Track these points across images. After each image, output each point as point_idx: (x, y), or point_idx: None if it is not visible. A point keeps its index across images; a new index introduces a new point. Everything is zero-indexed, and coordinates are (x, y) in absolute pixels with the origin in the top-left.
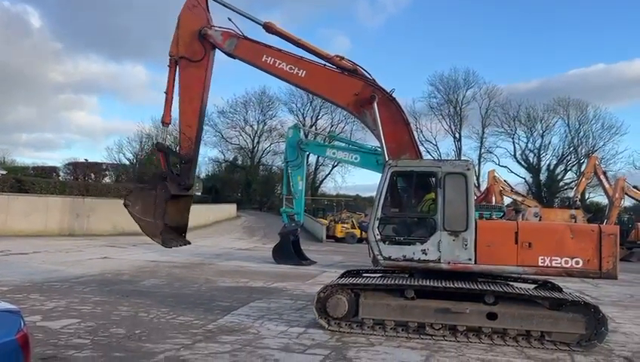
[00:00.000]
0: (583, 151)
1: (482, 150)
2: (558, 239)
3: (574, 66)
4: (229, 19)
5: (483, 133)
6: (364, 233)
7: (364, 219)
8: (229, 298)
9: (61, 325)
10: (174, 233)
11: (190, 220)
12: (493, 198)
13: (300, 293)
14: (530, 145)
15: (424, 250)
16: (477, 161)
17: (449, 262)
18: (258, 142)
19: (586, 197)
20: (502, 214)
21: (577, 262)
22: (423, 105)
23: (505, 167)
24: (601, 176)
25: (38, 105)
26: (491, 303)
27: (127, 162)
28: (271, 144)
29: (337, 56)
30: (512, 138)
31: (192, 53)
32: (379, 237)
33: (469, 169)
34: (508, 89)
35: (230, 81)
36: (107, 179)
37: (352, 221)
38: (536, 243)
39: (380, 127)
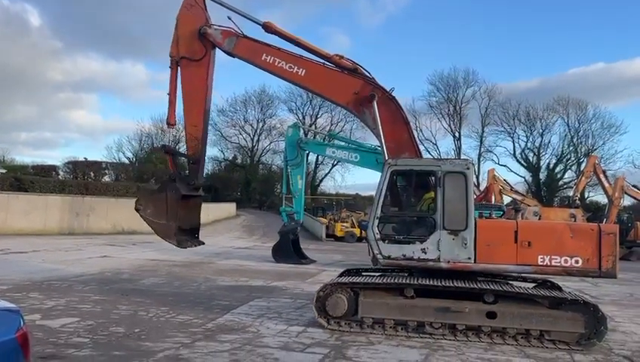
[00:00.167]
0: (583, 150)
1: (482, 149)
2: (557, 238)
3: (574, 65)
4: (229, 18)
5: (483, 132)
6: (363, 232)
7: (363, 218)
8: (228, 297)
9: (61, 324)
10: (188, 234)
11: None
12: (493, 197)
13: (300, 292)
14: (529, 144)
15: (424, 248)
16: (476, 160)
17: (448, 261)
18: (258, 141)
19: (586, 196)
20: (501, 213)
21: (577, 261)
22: (422, 104)
23: (504, 166)
24: (601, 175)
25: (37, 103)
26: (491, 302)
27: (127, 161)
28: (270, 143)
29: (337, 55)
30: (512, 137)
31: (193, 52)
32: (378, 236)
33: (468, 168)
34: (508, 88)
35: (230, 80)
36: (107, 178)
37: (352, 220)
38: (536, 243)
39: (380, 126)
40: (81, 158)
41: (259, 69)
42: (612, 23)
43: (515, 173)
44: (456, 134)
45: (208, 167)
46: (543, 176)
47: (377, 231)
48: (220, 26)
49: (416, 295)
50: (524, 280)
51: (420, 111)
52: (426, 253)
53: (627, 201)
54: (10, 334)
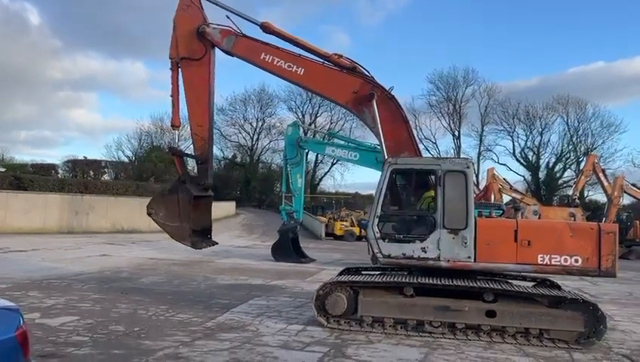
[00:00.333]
0: (582, 149)
1: (481, 148)
2: (557, 237)
3: (574, 64)
4: (228, 17)
5: (482, 131)
6: (363, 231)
7: (363, 216)
8: (228, 295)
9: (60, 322)
10: (200, 235)
11: None
12: (492, 196)
13: (299, 291)
14: (529, 143)
15: (424, 247)
16: (476, 159)
17: (448, 260)
18: (257, 140)
19: (585, 195)
20: (501, 212)
21: (576, 260)
22: (422, 102)
23: (504, 165)
24: (600, 174)
25: (37, 102)
26: (490, 301)
27: (126, 160)
28: (270, 142)
29: (335, 54)
30: (512, 136)
31: (193, 52)
32: (378, 234)
33: (468, 167)
34: (507, 87)
35: (229, 79)
36: (106, 177)
37: (351, 219)
38: (536, 242)
39: (379, 125)
40: (81, 157)
41: (258, 69)
42: (612, 22)
43: (515, 172)
44: (456, 133)
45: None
46: (542, 175)
47: (377, 230)
48: (218, 25)
49: (416, 294)
50: (524, 279)
51: (419, 110)
52: (426, 252)
53: (626, 200)
54: (9, 333)
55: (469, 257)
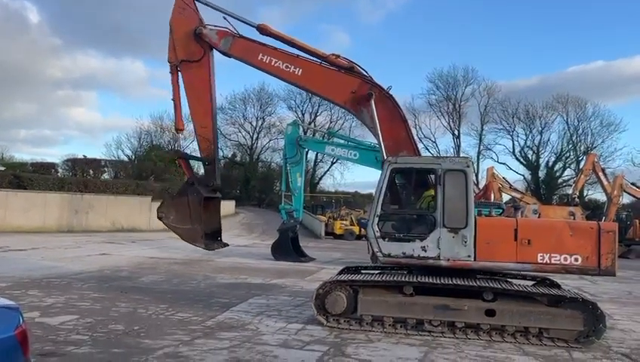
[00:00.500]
0: (582, 148)
1: (481, 147)
2: (557, 236)
3: (574, 63)
4: (225, 18)
5: (482, 130)
6: (362, 230)
7: (362, 215)
8: (227, 294)
9: (60, 321)
10: (210, 237)
11: None
12: (492, 195)
13: (299, 290)
14: (529, 142)
15: (424, 246)
16: (476, 158)
17: (448, 259)
18: (257, 139)
19: (585, 194)
20: (501, 211)
21: (576, 259)
22: (422, 102)
23: (504, 164)
24: (600, 174)
25: (36, 101)
26: (490, 300)
27: (126, 158)
28: (270, 141)
29: (333, 54)
30: (511, 135)
31: (191, 54)
32: (378, 233)
33: (468, 166)
34: (507, 86)
35: (229, 78)
36: (106, 176)
37: (351, 218)
38: (536, 241)
39: (378, 125)
40: (81, 156)
41: (255, 69)
42: (612, 21)
43: (515, 171)
44: (456, 132)
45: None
46: (542, 174)
47: (377, 229)
48: (215, 26)
49: (416, 292)
50: (524, 277)
51: (419, 109)
52: (426, 251)
53: (626, 199)
54: (9, 331)
55: (469, 256)
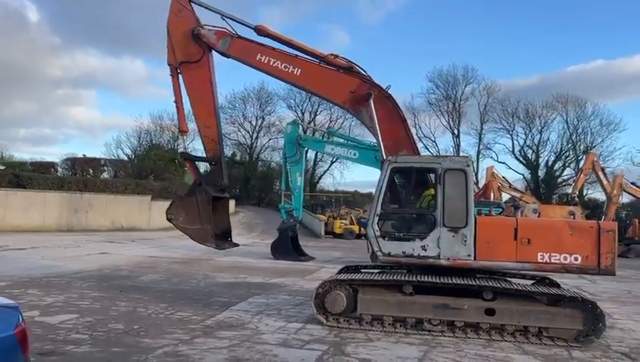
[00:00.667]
0: (582, 147)
1: (481, 146)
2: (557, 235)
3: (573, 63)
4: (223, 19)
5: (481, 129)
6: (362, 229)
7: (362, 215)
8: (227, 293)
9: (59, 320)
10: (220, 238)
11: None
12: (492, 194)
13: (299, 289)
14: (528, 141)
15: (424, 246)
16: (475, 158)
17: (448, 258)
18: (257, 138)
19: (584, 193)
20: (500, 210)
21: (576, 259)
22: (421, 101)
23: (503, 163)
24: (600, 173)
25: (36, 100)
26: (489, 299)
27: (126, 158)
28: (269, 140)
29: (331, 54)
30: (511, 134)
31: (190, 55)
32: (378, 233)
33: (468, 165)
34: (507, 85)
35: (228, 77)
36: (105, 175)
37: (351, 217)
38: (536, 240)
39: (377, 124)
40: (80, 155)
41: (254, 70)
42: (612, 20)
43: (514, 171)
44: (455, 131)
45: (207, 164)
46: (541, 173)
47: (377, 229)
48: (213, 26)
49: (415, 292)
50: (523, 277)
51: (419, 108)
52: (425, 250)
53: (625, 199)
54: (8, 330)
55: (469, 255)
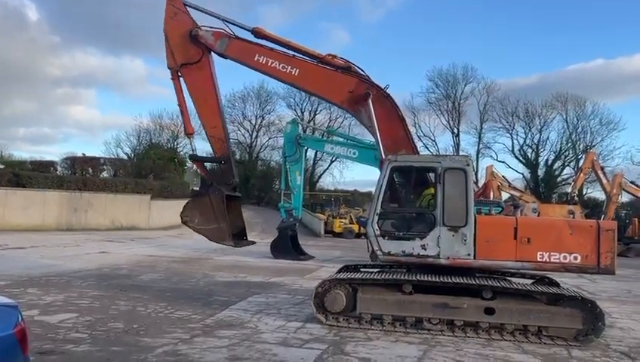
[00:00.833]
0: (581, 146)
1: (480, 145)
2: (556, 235)
3: (573, 62)
4: (224, 20)
5: (481, 128)
6: (362, 228)
7: (362, 214)
8: (227, 292)
9: (59, 319)
10: (236, 238)
11: None
12: (491, 194)
13: (298, 288)
14: (528, 140)
15: (423, 245)
16: (475, 157)
17: (448, 258)
18: (256, 137)
19: (584, 192)
20: (500, 209)
21: (576, 258)
22: (421, 100)
23: (503, 162)
24: (599, 172)
25: (36, 99)
26: (489, 298)
27: (125, 157)
28: (269, 139)
29: (329, 54)
30: (510, 133)
31: (190, 57)
32: (378, 232)
33: (468, 164)
34: (506, 84)
35: (228, 76)
36: (105, 174)
37: (350, 216)
38: (535, 239)
39: (376, 124)
40: (80, 154)
41: (252, 70)
42: (611, 19)
43: (514, 170)
44: (455, 130)
45: (207, 163)
46: (541, 172)
47: (377, 228)
48: (210, 27)
49: (415, 291)
50: (523, 276)
51: (418, 107)
52: (425, 250)
53: (625, 198)
54: (8, 329)
55: (469, 254)
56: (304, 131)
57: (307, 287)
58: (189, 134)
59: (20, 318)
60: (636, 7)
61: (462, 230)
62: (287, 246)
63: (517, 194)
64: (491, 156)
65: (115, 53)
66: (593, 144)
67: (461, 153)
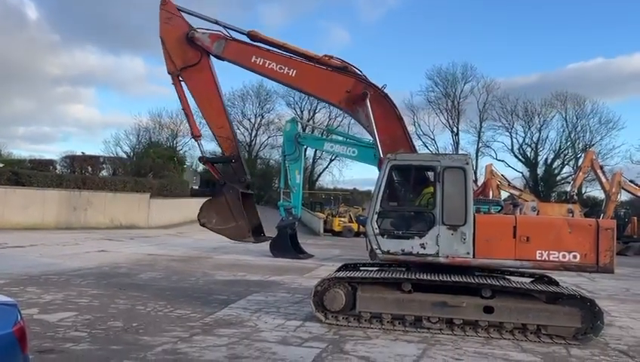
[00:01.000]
0: (580, 145)
1: (480, 144)
2: (556, 233)
3: (573, 61)
4: (217, 22)
5: (480, 127)
6: (361, 227)
7: (361, 212)
8: (226, 291)
9: (58, 318)
10: (254, 234)
11: (187, 214)
12: (491, 192)
13: (298, 287)
14: (527, 139)
15: (423, 244)
16: (474, 155)
17: (447, 256)
18: (256, 136)
19: (583, 191)
20: (499, 208)
21: (575, 256)
22: (421, 99)
23: (502, 161)
24: (598, 171)
25: (35, 98)
26: (488, 297)
27: (125, 155)
28: (268, 137)
29: (326, 55)
30: (510, 132)
31: (188, 59)
32: (377, 231)
33: (467, 163)
34: (506, 83)
35: (227, 75)
36: (104, 173)
37: (350, 215)
38: (534, 238)
39: (373, 123)
40: (79, 153)
41: (249, 72)
42: (611, 18)
43: (513, 169)
44: (454, 129)
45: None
46: (540, 171)
47: (376, 226)
48: (207, 29)
49: (414, 289)
50: (522, 275)
51: (418, 106)
52: (424, 248)
53: (624, 197)
54: (7, 328)
55: (468, 253)
56: (303, 130)
57: (306, 286)
58: (197, 137)
59: (19, 317)
60: (636, 6)
61: (461, 229)
62: (286, 244)
63: (516, 193)
64: (491, 155)
65: (114, 52)
66: (592, 143)
67: (460, 152)
